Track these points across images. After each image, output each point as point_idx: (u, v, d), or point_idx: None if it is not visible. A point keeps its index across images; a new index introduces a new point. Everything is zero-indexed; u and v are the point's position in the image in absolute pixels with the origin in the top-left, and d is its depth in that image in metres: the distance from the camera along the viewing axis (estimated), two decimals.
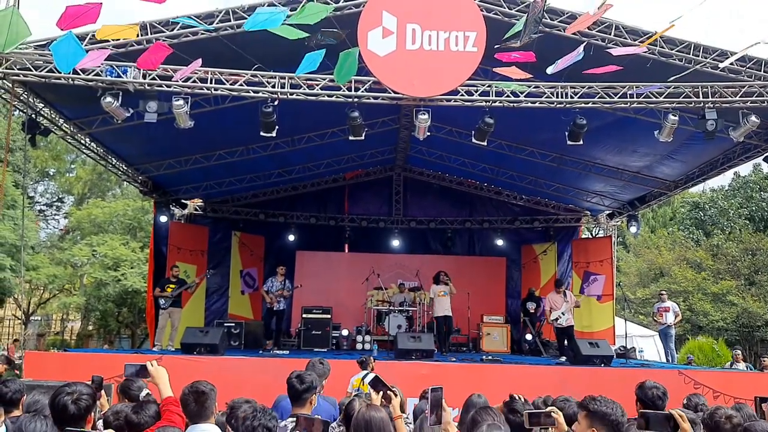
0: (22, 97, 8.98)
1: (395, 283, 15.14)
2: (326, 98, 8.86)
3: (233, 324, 13.06)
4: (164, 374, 3.48)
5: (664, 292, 13.64)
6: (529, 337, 14.17)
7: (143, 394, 4.22)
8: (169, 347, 10.77)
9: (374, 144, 13.24)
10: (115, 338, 27.32)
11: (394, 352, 10.11)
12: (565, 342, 11.25)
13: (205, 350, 9.34)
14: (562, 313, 11.22)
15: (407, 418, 3.74)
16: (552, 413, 3.19)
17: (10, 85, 8.54)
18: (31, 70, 8.29)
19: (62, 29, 5.62)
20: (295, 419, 3.49)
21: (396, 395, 3.46)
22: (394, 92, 8.62)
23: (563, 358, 10.94)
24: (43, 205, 30.57)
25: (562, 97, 8.87)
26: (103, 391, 4.25)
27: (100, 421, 3.73)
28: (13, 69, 8.28)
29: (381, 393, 3.51)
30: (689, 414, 3.47)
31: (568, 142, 9.47)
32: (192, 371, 7.88)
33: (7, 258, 19.11)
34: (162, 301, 11.14)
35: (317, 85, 8.74)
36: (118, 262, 22.56)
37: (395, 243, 15.90)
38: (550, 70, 7.44)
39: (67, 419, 2.91)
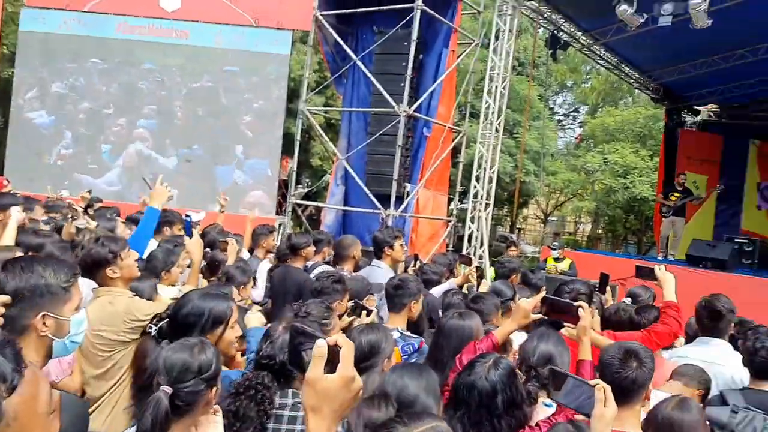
0: (545, 15, 9.88)
1: None
2: None
3: (746, 240, 12.01)
4: (671, 280, 3.64)
5: None
6: None
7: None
8: (671, 256, 10.73)
9: None
10: (621, 243, 28.38)
11: None
12: None
13: (711, 264, 9.03)
14: None
15: None
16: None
17: (536, 4, 9.48)
18: None
19: None
20: None
21: None
22: None
23: None
24: (561, 115, 33.12)
25: None
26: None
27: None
28: None
29: None
30: None
31: None
32: (694, 284, 7.77)
33: (531, 164, 21.77)
34: (664, 209, 11.08)
35: None
36: (627, 169, 23.01)
37: None
38: None
39: None
